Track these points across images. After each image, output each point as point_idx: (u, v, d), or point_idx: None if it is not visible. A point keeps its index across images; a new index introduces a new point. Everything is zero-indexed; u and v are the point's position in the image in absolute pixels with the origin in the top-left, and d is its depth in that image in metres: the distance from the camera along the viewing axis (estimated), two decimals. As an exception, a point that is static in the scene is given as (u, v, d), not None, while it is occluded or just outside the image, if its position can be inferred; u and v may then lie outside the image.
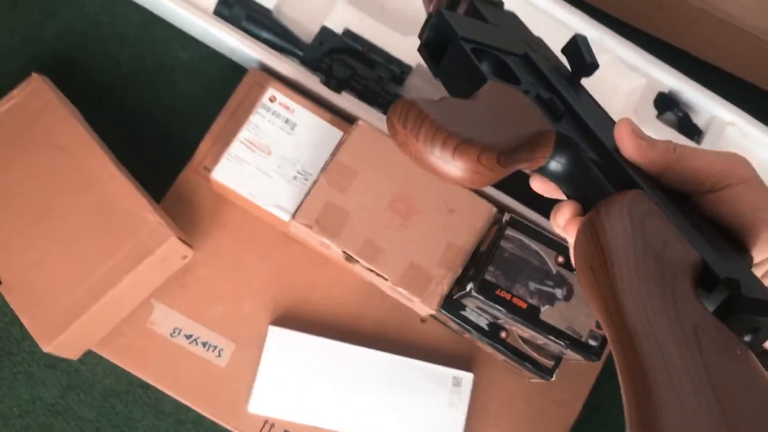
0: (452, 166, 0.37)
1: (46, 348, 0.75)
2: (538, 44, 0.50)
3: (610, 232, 0.36)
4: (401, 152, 0.40)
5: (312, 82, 0.90)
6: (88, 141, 0.82)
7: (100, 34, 0.95)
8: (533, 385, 0.85)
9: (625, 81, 0.98)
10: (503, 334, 0.79)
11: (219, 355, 0.82)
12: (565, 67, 0.47)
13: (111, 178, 0.80)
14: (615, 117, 0.46)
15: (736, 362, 0.33)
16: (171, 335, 0.82)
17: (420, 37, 0.48)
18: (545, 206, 0.91)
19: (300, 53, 0.91)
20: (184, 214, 0.85)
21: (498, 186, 0.89)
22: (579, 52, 0.44)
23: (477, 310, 0.78)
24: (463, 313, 0.79)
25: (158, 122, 0.94)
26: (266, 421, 0.81)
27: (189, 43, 0.96)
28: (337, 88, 0.90)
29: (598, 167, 0.40)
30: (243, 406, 0.80)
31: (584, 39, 0.44)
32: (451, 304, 0.78)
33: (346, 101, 0.90)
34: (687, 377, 0.32)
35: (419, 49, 0.48)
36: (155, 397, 0.83)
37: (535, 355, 0.79)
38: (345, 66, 0.91)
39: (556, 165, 0.41)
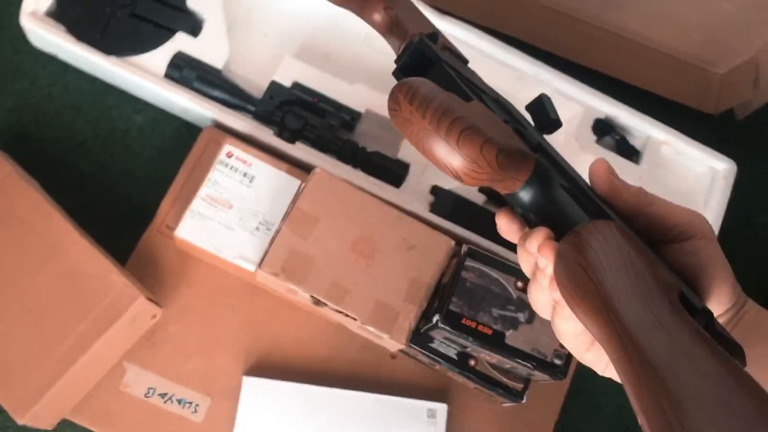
0: (454, 151, 0.37)
1: (20, 420, 0.75)
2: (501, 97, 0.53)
3: (598, 251, 0.37)
4: (401, 130, 0.39)
5: (266, 135, 0.93)
6: (49, 210, 0.83)
7: (53, 106, 0.97)
8: (505, 409, 0.88)
9: (564, 110, 1.03)
10: (472, 362, 0.82)
11: (195, 411, 0.83)
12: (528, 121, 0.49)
13: (74, 244, 0.81)
14: (557, 145, 0.49)
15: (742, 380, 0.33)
16: (145, 395, 0.82)
17: (397, 61, 0.48)
18: (499, 236, 0.95)
19: (252, 108, 0.94)
20: (150, 274, 0.86)
21: (454, 220, 0.93)
22: (543, 110, 0.45)
23: (445, 341, 0.80)
24: (431, 345, 0.81)
25: (117, 187, 0.95)
26: (248, 472, 0.81)
27: (142, 106, 0.99)
28: (291, 139, 0.93)
29: (573, 198, 0.41)
30: (223, 459, 0.81)
31: (548, 98, 0.45)
32: (420, 338, 0.81)
33: (300, 151, 0.93)
34: (706, 386, 0.32)
35: (395, 73, 0.49)
36: (134, 459, 0.83)
37: (504, 379, 0.81)
38: (296, 117, 0.94)
39: (528, 191, 0.41)
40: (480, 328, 0.75)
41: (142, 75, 0.92)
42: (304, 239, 0.78)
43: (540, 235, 0.40)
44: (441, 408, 0.85)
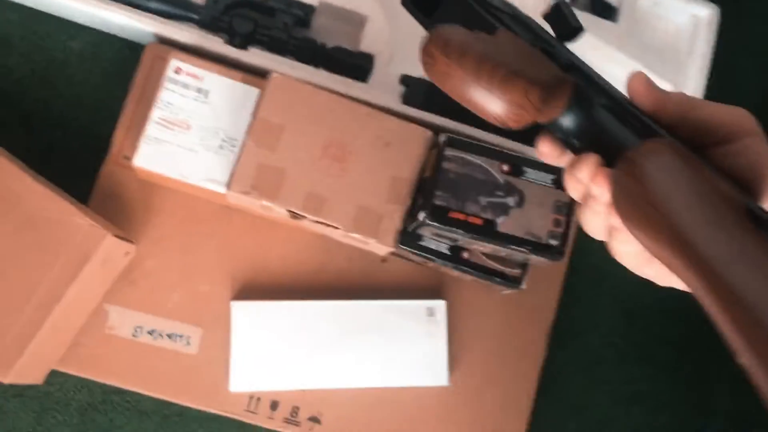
0: (498, 99, 0.36)
1: (6, 379, 0.72)
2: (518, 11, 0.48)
3: (659, 178, 0.35)
4: (438, 83, 0.39)
5: (215, 44, 0.85)
6: (-5, 157, 0.77)
7: (-20, 42, 0.89)
8: (505, 297, 0.85)
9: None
10: (465, 255, 0.78)
11: (188, 344, 0.80)
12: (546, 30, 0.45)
13: (29, 190, 0.76)
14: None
15: None
16: (133, 335, 0.79)
17: None
18: (479, 118, 0.89)
19: (196, 17, 0.87)
20: (115, 209, 0.81)
21: (429, 108, 0.87)
22: (563, 18, 0.42)
23: (435, 237, 0.76)
24: (421, 243, 0.77)
25: (65, 122, 0.88)
26: (251, 396, 0.79)
27: (77, 31, 0.90)
28: (243, 45, 0.86)
29: (616, 117, 0.39)
30: (224, 387, 0.78)
31: (566, 4, 0.42)
32: (408, 237, 0.77)
33: (255, 56, 0.85)
34: None
35: (403, 2, 0.48)
36: (133, 399, 0.81)
37: (500, 267, 0.78)
38: (246, 20, 0.87)
39: (569, 117, 0.39)
40: (469, 219, 0.71)
41: (70, -5, 0.84)
42: (271, 151, 0.73)
43: (590, 162, 0.38)
44: (439, 305, 0.82)
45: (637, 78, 0.40)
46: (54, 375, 0.79)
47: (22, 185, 0.76)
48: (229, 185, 0.72)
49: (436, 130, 0.88)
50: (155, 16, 0.85)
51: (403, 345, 0.81)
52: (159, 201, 0.82)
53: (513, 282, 0.78)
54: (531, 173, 0.73)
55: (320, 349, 0.80)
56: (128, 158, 0.81)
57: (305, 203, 0.72)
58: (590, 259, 0.95)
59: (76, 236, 0.74)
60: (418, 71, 0.89)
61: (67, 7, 0.85)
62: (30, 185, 0.75)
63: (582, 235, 0.89)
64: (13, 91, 0.88)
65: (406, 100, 0.88)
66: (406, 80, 0.89)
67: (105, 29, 0.90)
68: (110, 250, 0.75)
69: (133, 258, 0.80)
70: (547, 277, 0.86)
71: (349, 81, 0.87)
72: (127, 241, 0.77)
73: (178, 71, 0.78)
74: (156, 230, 0.81)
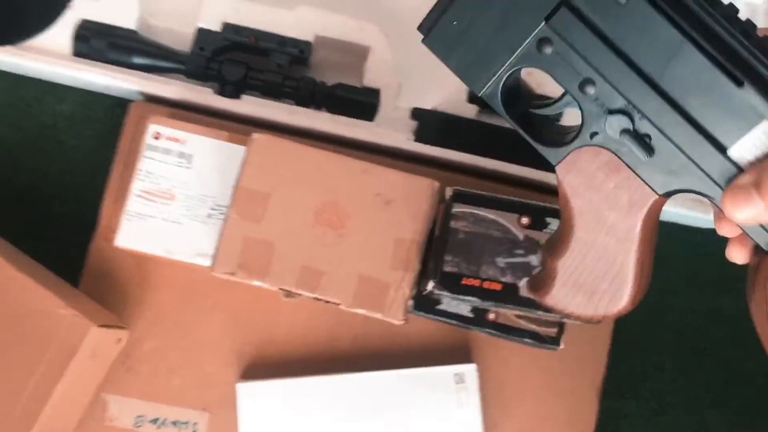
0: None
1: (-1, 488, 0.67)
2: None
3: None
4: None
5: (205, 95, 0.78)
6: (-24, 245, 0.72)
7: (-34, 116, 0.84)
8: (546, 352, 0.75)
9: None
10: (491, 316, 0.68)
11: (195, 431, 0.73)
12: None
13: (10, 280, 0.70)
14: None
15: None
16: (135, 425, 0.73)
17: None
18: (505, 151, 0.79)
19: (182, 67, 0.79)
20: (108, 289, 0.75)
21: (445, 143, 0.77)
22: None
23: (453, 299, 0.67)
24: (439, 307, 0.68)
25: (58, 191, 0.83)
26: (267, 486, 0.72)
27: (65, 93, 0.85)
28: (235, 93, 0.78)
29: None
30: (236, 478, 0.71)
31: None
32: (424, 301, 0.68)
33: (250, 105, 0.78)
34: None
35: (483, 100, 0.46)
36: (145, 491, 0.75)
37: (533, 327, 0.68)
38: (236, 65, 0.79)
39: None
40: (486, 284, 0.62)
41: (47, 60, 0.78)
42: (257, 222, 0.65)
43: None
44: (469, 369, 0.72)
45: None
46: (59, 471, 0.74)
47: (6, 275, 0.70)
48: (212, 266, 0.64)
49: (455, 167, 0.78)
50: (139, 72, 0.79)
51: (430, 419, 0.72)
52: (155, 275, 0.75)
53: (549, 342, 0.68)
54: (554, 224, 0.62)
55: (340, 430, 0.72)
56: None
57: (300, 279, 0.64)
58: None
59: (60, 328, 0.68)
60: (429, 102, 0.80)
61: (46, 71, 0.80)
62: (12, 275, 0.70)
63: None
64: (6, 163, 0.83)
65: (419, 136, 0.79)
66: (417, 113, 0.79)
67: (92, 89, 0.84)
68: (98, 341, 0.69)
69: (129, 342, 0.73)
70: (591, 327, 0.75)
71: (354, 121, 0.79)
72: (118, 327, 0.71)
73: (157, 136, 0.71)
74: (153, 309, 0.75)
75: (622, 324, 0.78)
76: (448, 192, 0.63)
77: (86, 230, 0.77)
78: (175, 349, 0.74)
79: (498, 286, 0.61)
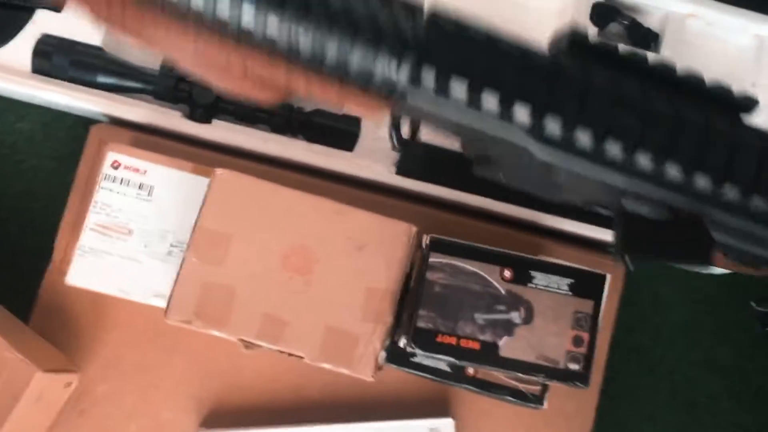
0: None
1: None
2: None
3: None
4: None
5: (173, 119, 0.73)
6: None
7: None
8: (526, 410, 0.69)
9: (549, 0, 0.79)
10: (471, 371, 0.63)
11: (149, 481, 0.68)
12: None
13: (-46, 317, 0.65)
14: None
15: None
16: (86, 475, 0.68)
17: None
18: (492, 188, 0.73)
19: (150, 87, 0.74)
20: (60, 326, 0.70)
21: (429, 177, 0.72)
22: None
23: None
24: (414, 360, 0.63)
25: (14, 215, 0.78)
26: None
27: (27, 110, 0.80)
28: (206, 117, 0.73)
29: None
30: None
31: None
32: (397, 352, 0.63)
33: (221, 130, 0.73)
34: None
35: None
36: None
37: (515, 384, 0.63)
38: (207, 87, 0.74)
39: None
40: (463, 342, 0.57)
41: (4, 77, 0.73)
42: (217, 266, 0.59)
43: None
44: (446, 424, 0.67)
45: None
46: None
47: (-53, 310, 0.65)
48: (166, 313, 0.59)
49: (439, 203, 0.73)
50: (102, 93, 0.73)
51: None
52: (110, 314, 0.70)
53: (532, 401, 0.63)
54: (540, 278, 0.57)
55: (304, 484, 0.67)
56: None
57: (261, 330, 0.59)
58: (637, 337, 0.79)
59: (4, 372, 0.63)
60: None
61: (5, 88, 0.74)
62: (-45, 312, 0.65)
63: (626, 309, 0.73)
64: (-41, 185, 0.78)
65: (401, 168, 0.74)
66: (400, 144, 0.74)
67: (54, 107, 0.78)
68: (44, 386, 0.64)
69: (81, 384, 0.68)
70: (579, 383, 0.70)
71: (333, 151, 0.74)
72: (67, 371, 0.66)
73: (115, 165, 0.65)
74: (108, 348, 0.69)
75: (613, 373, 0.73)
76: (425, 240, 0.58)
77: (42, 259, 0.72)
78: (131, 392, 0.69)
79: (476, 345, 0.56)
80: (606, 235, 0.71)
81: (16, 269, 0.76)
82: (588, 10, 0.78)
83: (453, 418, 0.68)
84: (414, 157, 0.74)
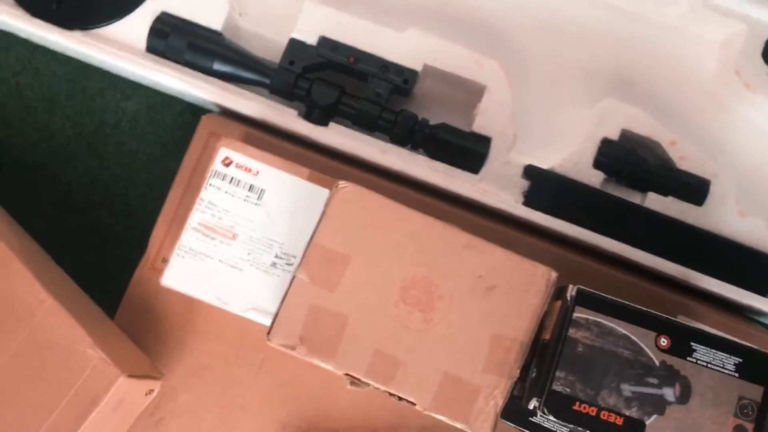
0: None
1: None
2: None
3: None
4: None
5: (288, 117, 0.67)
6: (7, 256, 0.62)
7: (23, 99, 0.75)
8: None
9: (716, 29, 0.70)
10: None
11: (221, 507, 0.62)
12: None
13: (40, 303, 0.60)
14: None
15: None
16: (155, 491, 0.62)
17: None
18: (637, 236, 0.65)
19: (267, 81, 0.69)
20: (146, 326, 0.65)
21: (559, 213, 0.65)
22: None
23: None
24: (533, 420, 0.55)
25: (109, 200, 0.73)
26: None
27: (133, 90, 0.75)
28: (322, 120, 0.67)
29: None
30: None
31: None
32: (515, 408, 0.55)
33: (337, 135, 0.67)
34: None
35: None
36: None
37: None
38: (328, 87, 0.68)
39: None
40: (604, 415, 0.49)
41: (116, 52, 0.68)
42: (330, 290, 0.53)
43: None
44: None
45: None
46: None
47: (34, 297, 0.60)
48: (269, 334, 0.53)
49: (566, 243, 0.66)
50: (217, 81, 0.68)
51: None
52: (201, 319, 0.64)
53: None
54: (702, 353, 0.49)
55: None
56: (167, 261, 0.64)
57: (371, 366, 0.52)
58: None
59: (85, 371, 0.58)
60: (547, 160, 0.67)
61: (113, 64, 0.70)
62: (43, 299, 0.60)
63: None
64: (55, 158, 0.74)
65: (529, 199, 0.67)
66: (530, 172, 0.67)
67: (163, 89, 0.74)
68: (125, 392, 0.58)
69: (161, 391, 0.63)
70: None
71: (456, 171, 0.67)
72: (151, 377, 0.61)
73: (226, 162, 0.60)
74: (193, 357, 0.64)
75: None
76: (570, 291, 0.51)
77: (133, 249, 0.67)
78: (213, 408, 0.63)
79: (619, 420, 0.48)
80: (761, 303, 0.63)
81: (105, 258, 0.72)
82: (761, 45, 0.69)
83: (563, 486, 0.60)
84: (545, 188, 0.67)
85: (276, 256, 0.59)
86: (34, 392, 0.58)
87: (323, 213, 0.54)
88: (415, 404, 0.52)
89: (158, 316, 0.65)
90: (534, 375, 0.52)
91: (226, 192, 0.60)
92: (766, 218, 0.67)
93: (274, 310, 0.56)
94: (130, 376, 0.58)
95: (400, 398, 0.53)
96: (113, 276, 0.67)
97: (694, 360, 0.49)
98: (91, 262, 0.72)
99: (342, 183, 0.54)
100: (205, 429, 0.63)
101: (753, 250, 0.66)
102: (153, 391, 0.62)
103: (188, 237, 0.59)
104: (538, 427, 0.55)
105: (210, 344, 0.64)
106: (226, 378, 0.64)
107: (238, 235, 0.59)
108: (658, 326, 0.50)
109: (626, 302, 0.50)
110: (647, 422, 0.49)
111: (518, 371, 0.52)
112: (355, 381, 0.53)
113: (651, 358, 0.49)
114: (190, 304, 0.64)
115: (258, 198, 0.60)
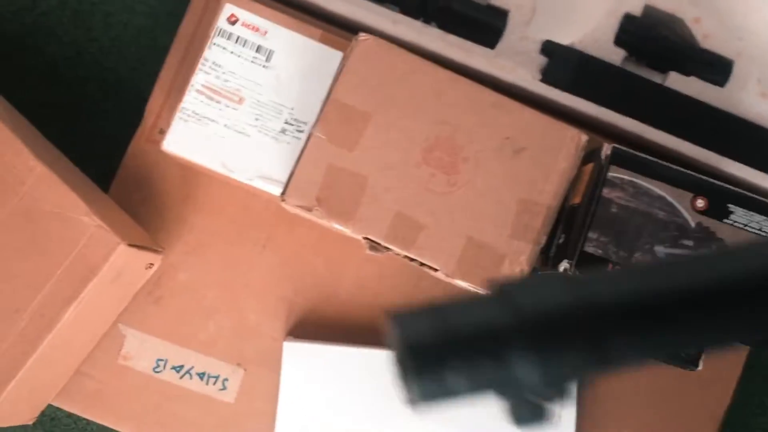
0: None
1: (-20, 421, 0.54)
2: None
3: None
4: None
5: (295, -18, 0.63)
6: (-8, 122, 0.58)
7: (1, -36, 0.69)
8: (663, 366, 0.60)
9: None
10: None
11: (223, 387, 0.60)
12: None
13: (30, 171, 0.56)
14: None
15: None
16: (154, 370, 0.60)
17: None
18: (662, 116, 0.63)
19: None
20: (143, 201, 0.61)
21: (580, 91, 0.62)
22: None
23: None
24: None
25: (98, 74, 0.69)
26: (300, 468, 0.59)
27: (122, -45, 0.70)
28: (331, -14, 0.63)
29: None
30: (266, 453, 0.59)
31: None
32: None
33: (345, 3, 0.62)
34: None
35: None
36: (152, 447, 0.62)
37: (666, 337, 0.53)
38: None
39: None
40: (636, 278, 0.47)
41: None
42: (349, 149, 0.50)
43: None
44: (569, 372, 0.58)
45: None
46: (52, 410, 0.61)
47: (24, 165, 0.56)
48: (284, 194, 0.50)
49: (589, 124, 0.63)
50: (216, -60, 0.63)
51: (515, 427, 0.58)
52: (202, 193, 0.61)
53: (686, 362, 0.54)
54: (740, 215, 0.47)
55: (396, 414, 0.58)
56: (165, 133, 0.60)
57: (392, 230, 0.50)
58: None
59: (81, 239, 0.54)
60: (566, 36, 0.64)
61: None
62: (32, 166, 0.56)
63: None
64: (39, 30, 0.69)
65: (547, 76, 0.63)
66: (549, 48, 0.64)
67: (155, -45, 0.68)
68: (125, 263, 0.55)
69: (160, 269, 0.60)
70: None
71: (471, 45, 0.63)
72: (151, 250, 0.57)
73: (232, 20, 0.56)
74: (194, 233, 0.61)
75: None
76: (606, 149, 0.48)
77: (127, 127, 0.63)
78: (215, 286, 0.61)
79: (651, 283, 0.47)
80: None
81: (95, 135, 0.68)
82: None
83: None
84: (564, 65, 0.64)
85: (286, 122, 0.55)
86: (26, 262, 0.55)
87: (342, 67, 0.50)
88: (437, 270, 0.50)
89: (156, 190, 0.61)
90: (561, 240, 0.50)
91: (232, 52, 0.56)
92: (789, 101, 0.65)
93: (283, 179, 0.52)
94: (131, 245, 0.55)
95: (421, 264, 0.50)
96: (106, 154, 0.63)
97: (731, 222, 0.47)
98: (81, 141, 0.67)
99: (363, 35, 0.50)
100: (207, 307, 0.61)
101: (774, 133, 0.64)
102: (153, 265, 0.59)
103: (191, 99, 0.55)
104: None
105: (211, 221, 0.61)
106: (228, 257, 0.61)
107: (245, 98, 0.55)
108: (696, 187, 0.47)
109: (662, 162, 0.48)
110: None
111: (545, 237, 0.50)
112: (374, 245, 0.50)
113: (687, 220, 0.47)
114: (189, 177, 0.61)
115: (266, 60, 0.56)
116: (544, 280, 0.27)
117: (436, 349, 0.27)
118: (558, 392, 0.27)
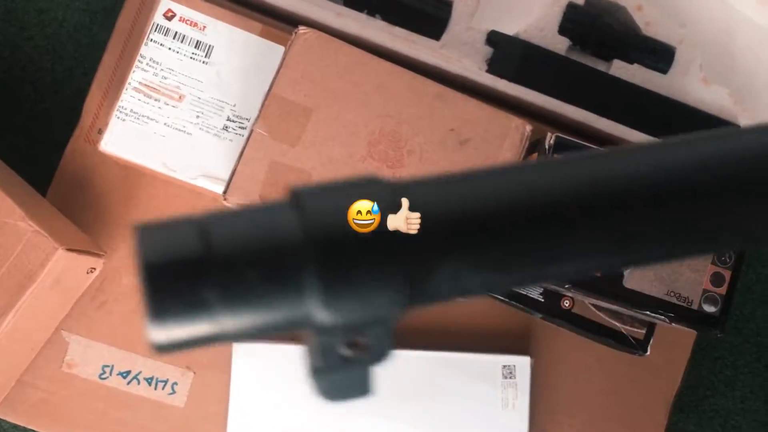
0: None
1: None
2: None
3: None
4: None
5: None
6: None
7: (-73, -38, 0.67)
8: (615, 353, 0.61)
9: None
10: (566, 304, 0.54)
11: (173, 392, 0.59)
12: None
13: (-40, 175, 0.54)
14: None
15: None
16: (100, 377, 0.58)
17: None
18: (598, 99, 0.63)
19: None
20: (83, 203, 0.59)
21: (525, 81, 0.62)
22: None
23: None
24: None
25: (32, 75, 0.67)
26: (254, 471, 0.58)
27: (56, -49, 0.68)
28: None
29: None
30: (218, 457, 0.57)
31: None
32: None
33: (287, -4, 0.61)
34: None
35: None
36: (101, 456, 0.61)
37: (616, 324, 0.54)
38: (276, -56, 0.62)
39: None
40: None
41: None
42: (291, 145, 0.49)
43: None
44: (522, 363, 0.59)
45: None
46: (-2, 419, 0.59)
47: (-48, 167, 0.54)
48: (226, 192, 0.48)
49: (535, 114, 0.63)
50: (152, -66, 0.61)
51: (467, 415, 0.58)
52: (145, 194, 0.59)
53: (634, 346, 0.54)
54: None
55: (354, 414, 0.58)
56: (103, 133, 0.58)
57: (337, 225, 0.49)
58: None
59: (18, 245, 0.53)
60: (511, 26, 0.64)
61: None
62: (-39, 168, 0.54)
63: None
64: (-30, 30, 0.66)
65: (492, 66, 0.63)
66: (494, 39, 0.64)
67: (90, -50, 0.67)
68: (64, 268, 0.53)
69: (103, 273, 0.58)
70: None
71: (416, 37, 0.63)
72: (92, 254, 0.56)
73: (169, 15, 0.54)
74: (137, 235, 0.59)
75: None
76: (549, 139, 0.48)
77: (63, 128, 0.61)
78: (160, 289, 0.59)
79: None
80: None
81: (31, 138, 0.66)
82: None
83: (531, 356, 0.59)
84: (509, 55, 0.63)
85: (228, 119, 0.54)
86: (-41, 272, 0.53)
87: (282, 61, 0.49)
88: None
89: (96, 192, 0.59)
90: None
91: (169, 48, 0.54)
92: (730, 87, 0.66)
93: (226, 176, 0.51)
94: (70, 249, 0.53)
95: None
96: (44, 157, 0.61)
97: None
98: (17, 144, 0.65)
99: (302, 29, 0.49)
100: (153, 311, 0.59)
101: (716, 119, 0.65)
102: (95, 269, 0.57)
103: (128, 98, 0.53)
104: (511, 293, 0.54)
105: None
106: (175, 257, 0.59)
107: (185, 96, 0.54)
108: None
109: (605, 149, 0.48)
110: (625, 272, 0.47)
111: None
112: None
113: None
114: (131, 178, 0.59)
115: (206, 56, 0.54)
116: (349, 183, 0.20)
117: (190, 266, 0.21)
118: (368, 339, 0.21)
